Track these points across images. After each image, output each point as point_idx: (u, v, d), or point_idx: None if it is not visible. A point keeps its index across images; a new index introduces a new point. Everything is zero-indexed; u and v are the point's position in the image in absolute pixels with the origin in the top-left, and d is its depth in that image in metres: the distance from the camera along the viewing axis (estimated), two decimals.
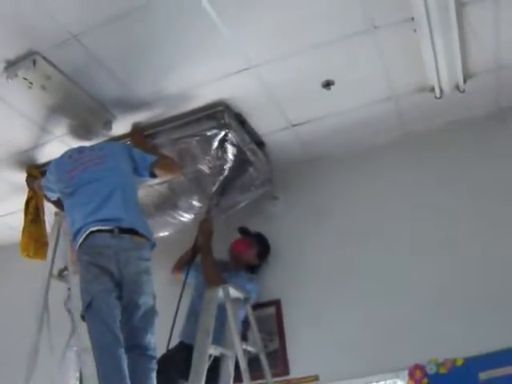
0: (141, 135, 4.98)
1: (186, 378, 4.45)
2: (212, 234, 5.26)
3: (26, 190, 5.32)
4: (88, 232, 4.04)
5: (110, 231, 4.04)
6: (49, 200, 5.10)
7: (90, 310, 3.88)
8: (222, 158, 4.88)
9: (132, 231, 4.12)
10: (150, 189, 5.09)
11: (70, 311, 4.88)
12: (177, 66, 4.43)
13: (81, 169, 4.40)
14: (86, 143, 4.93)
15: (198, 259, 5.34)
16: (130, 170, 4.47)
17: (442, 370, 4.76)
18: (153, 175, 4.55)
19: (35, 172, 5.31)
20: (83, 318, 3.94)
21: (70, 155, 4.56)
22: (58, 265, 4.97)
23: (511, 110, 5.18)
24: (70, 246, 4.61)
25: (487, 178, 5.14)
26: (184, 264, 5.40)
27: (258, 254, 5.42)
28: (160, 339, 4.41)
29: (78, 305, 4.19)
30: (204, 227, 5.25)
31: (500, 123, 5.19)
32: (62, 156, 4.61)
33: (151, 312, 4.10)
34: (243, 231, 5.49)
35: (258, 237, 5.48)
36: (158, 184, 5.12)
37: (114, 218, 4.09)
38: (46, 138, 5.07)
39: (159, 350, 4.29)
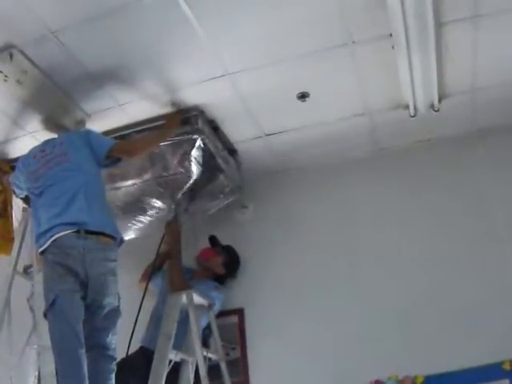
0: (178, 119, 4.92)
1: (145, 383, 4.41)
2: (180, 237, 5.20)
3: None
4: (53, 239, 4.00)
5: (77, 231, 4.01)
6: (17, 196, 5.08)
7: (52, 309, 3.84)
8: (193, 163, 4.84)
9: (98, 232, 4.10)
10: (116, 191, 5.05)
11: (32, 308, 4.85)
12: (153, 69, 4.41)
13: (45, 169, 4.34)
14: None
15: (165, 265, 5.35)
16: (93, 165, 4.39)
17: None
18: (114, 160, 4.49)
19: (5, 166, 5.25)
20: (45, 315, 3.90)
21: (35, 155, 4.50)
22: (24, 261, 4.94)
23: (484, 131, 5.22)
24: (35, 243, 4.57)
25: (457, 196, 5.20)
26: (153, 271, 5.31)
27: (224, 262, 5.40)
28: (120, 343, 4.38)
29: (40, 303, 4.16)
30: (172, 230, 5.18)
31: (473, 143, 5.26)
32: (28, 155, 4.55)
33: (115, 312, 4.09)
34: (212, 240, 5.48)
35: (227, 247, 5.48)
36: (126, 186, 5.09)
37: (78, 222, 4.05)
38: (18, 133, 5.03)
39: (118, 355, 4.27)
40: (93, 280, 3.96)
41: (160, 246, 5.26)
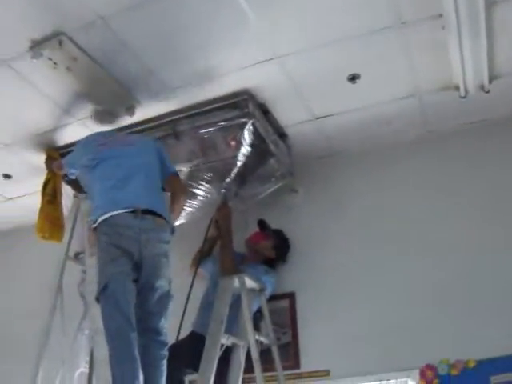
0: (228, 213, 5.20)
1: (195, 368, 4.45)
2: (231, 221, 5.23)
3: (45, 171, 5.32)
4: (108, 215, 4.04)
5: (133, 211, 4.04)
6: (67, 182, 5.14)
7: (104, 293, 3.88)
8: (243, 147, 4.86)
9: (153, 213, 4.12)
10: None
11: (83, 295, 4.89)
12: (203, 53, 4.40)
13: (109, 145, 4.45)
14: (108, 127, 4.96)
15: (215, 250, 5.37)
16: (156, 163, 4.49)
17: (454, 372, 4.73)
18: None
19: (55, 154, 5.32)
20: (98, 300, 3.94)
21: (103, 134, 4.65)
22: (74, 248, 4.98)
23: None
24: (87, 227, 4.59)
25: (507, 178, 5.10)
26: (201, 256, 5.35)
27: (274, 246, 5.36)
28: (170, 329, 4.40)
29: (92, 287, 4.22)
30: (223, 214, 5.22)
31: None
32: (93, 134, 4.69)
33: (166, 296, 4.12)
34: (262, 224, 5.44)
35: (277, 231, 5.45)
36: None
37: (136, 202, 4.09)
38: (68, 121, 5.07)
39: (169, 340, 4.29)
40: (147, 261, 4.01)
41: (208, 231, 5.30)
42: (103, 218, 4.05)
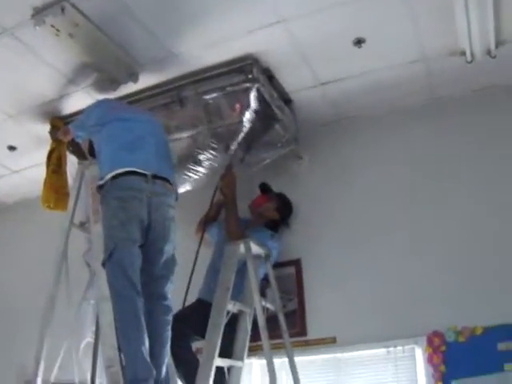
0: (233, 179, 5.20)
1: (202, 335, 4.45)
2: (235, 186, 5.21)
3: (49, 142, 5.32)
4: (116, 172, 4.04)
5: (143, 175, 4.05)
6: (71, 151, 5.13)
7: (111, 258, 3.89)
8: (248, 112, 4.82)
9: (162, 178, 4.14)
10: (172, 144, 5.02)
11: (88, 264, 4.89)
12: (207, 18, 4.36)
13: (120, 109, 4.51)
14: (112, 95, 4.95)
15: (221, 216, 5.37)
16: (165, 137, 4.57)
17: (461, 339, 4.73)
18: None
19: (59, 123, 5.32)
20: (104, 265, 3.94)
21: (114, 100, 4.78)
22: (79, 217, 4.96)
23: None
24: (92, 194, 4.58)
25: None
26: (207, 221, 5.37)
27: (277, 207, 5.37)
28: (176, 296, 4.42)
29: (98, 254, 4.20)
30: (227, 179, 5.20)
31: None
32: (104, 99, 4.74)
33: (172, 260, 4.15)
34: (264, 187, 5.47)
35: (279, 194, 5.46)
36: (181, 139, 5.13)
37: (146, 163, 4.11)
38: (72, 89, 5.06)
39: (175, 308, 4.29)
40: (156, 224, 4.04)
41: (214, 196, 5.30)
42: (112, 175, 4.05)
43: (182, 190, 5.01)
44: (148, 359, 3.72)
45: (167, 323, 4.08)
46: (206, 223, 5.35)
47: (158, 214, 4.04)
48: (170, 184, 4.21)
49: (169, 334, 4.08)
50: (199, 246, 5.17)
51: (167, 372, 4.04)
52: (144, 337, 3.76)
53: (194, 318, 4.72)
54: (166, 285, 4.08)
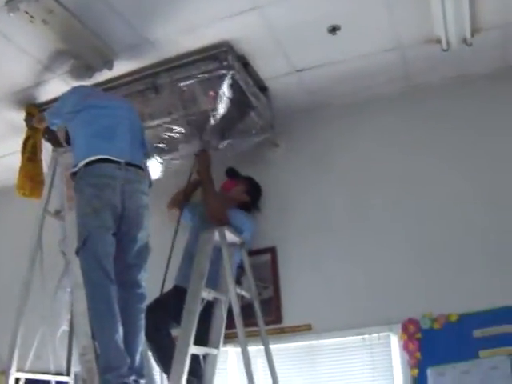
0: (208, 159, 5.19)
1: (178, 321, 4.42)
2: (210, 164, 5.21)
3: (25, 130, 5.29)
4: (90, 159, 4.02)
5: (117, 163, 4.03)
6: (47, 139, 5.11)
7: (85, 246, 3.88)
8: (223, 100, 4.82)
9: (134, 165, 4.13)
10: (148, 130, 5.01)
11: (64, 252, 4.87)
12: (181, 4, 4.32)
13: (95, 96, 4.47)
14: (87, 82, 4.90)
15: (194, 199, 5.41)
16: (139, 123, 4.54)
17: (436, 326, 4.77)
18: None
19: (34, 111, 5.29)
20: (77, 253, 3.93)
21: (89, 87, 4.71)
22: (54, 206, 4.94)
23: None
24: (66, 181, 4.57)
25: (489, 132, 5.09)
26: (182, 198, 5.37)
27: (246, 190, 5.38)
28: (153, 283, 4.42)
29: (72, 242, 4.21)
30: (202, 158, 5.20)
31: (505, 81, 5.14)
32: (79, 85, 4.67)
33: (146, 248, 4.15)
34: (231, 171, 5.48)
35: (247, 177, 5.48)
36: (154, 126, 5.11)
37: (120, 151, 4.10)
38: (47, 76, 5.02)
39: (153, 295, 4.29)
40: (129, 212, 4.03)
41: (191, 176, 5.30)
42: (85, 162, 4.03)
43: (155, 176, 5.01)
44: (122, 347, 3.74)
45: (141, 311, 4.08)
46: (182, 202, 5.34)
47: (132, 202, 4.03)
48: (143, 170, 4.20)
49: (143, 322, 4.08)
50: (176, 232, 5.14)
51: (141, 360, 4.02)
52: (118, 325, 3.76)
53: (171, 305, 4.71)
54: (140, 273, 4.08)
